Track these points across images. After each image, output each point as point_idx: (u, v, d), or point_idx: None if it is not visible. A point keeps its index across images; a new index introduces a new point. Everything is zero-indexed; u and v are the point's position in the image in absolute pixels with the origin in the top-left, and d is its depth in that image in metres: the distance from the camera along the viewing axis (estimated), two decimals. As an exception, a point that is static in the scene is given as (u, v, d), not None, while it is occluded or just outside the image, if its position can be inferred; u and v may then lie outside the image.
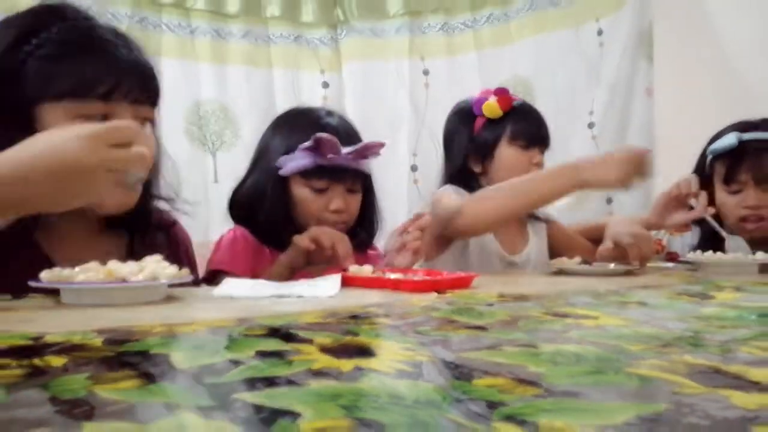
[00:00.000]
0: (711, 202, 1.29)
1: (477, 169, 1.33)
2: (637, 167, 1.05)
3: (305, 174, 1.02)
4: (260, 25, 2.10)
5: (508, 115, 1.29)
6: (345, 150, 1.00)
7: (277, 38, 2.11)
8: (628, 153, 1.07)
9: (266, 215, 1.04)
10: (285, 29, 2.13)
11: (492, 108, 1.29)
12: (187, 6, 1.99)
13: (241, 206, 1.09)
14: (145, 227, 0.86)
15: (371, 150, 1.04)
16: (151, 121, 0.82)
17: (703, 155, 1.37)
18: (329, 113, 1.12)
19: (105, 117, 0.75)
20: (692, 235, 1.39)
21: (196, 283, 0.91)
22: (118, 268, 0.63)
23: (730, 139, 1.27)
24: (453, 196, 1.21)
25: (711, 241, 1.28)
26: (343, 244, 0.93)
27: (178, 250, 0.95)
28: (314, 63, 2.15)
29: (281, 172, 1.03)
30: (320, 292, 0.70)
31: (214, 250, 1.07)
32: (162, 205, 0.91)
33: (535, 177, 1.16)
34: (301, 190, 1.04)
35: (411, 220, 1.03)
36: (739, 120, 1.32)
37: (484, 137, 1.31)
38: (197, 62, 1.99)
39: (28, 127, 0.70)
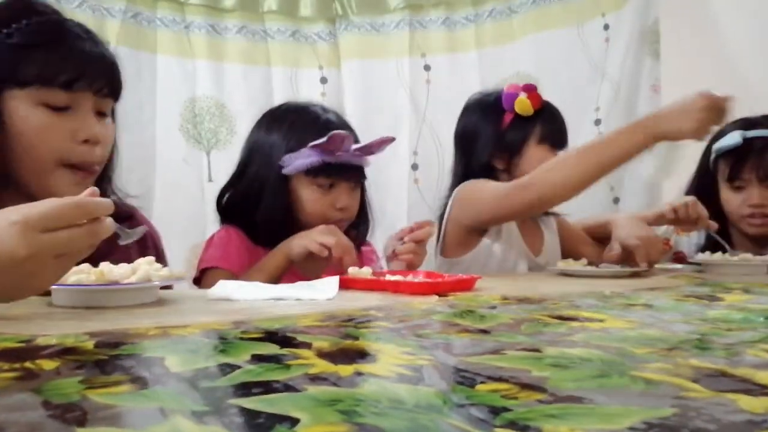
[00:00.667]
0: (715, 200, 1.29)
1: (500, 165, 1.29)
2: (717, 115, 1.01)
3: (311, 172, 1.01)
4: (257, 20, 2.09)
5: (539, 113, 1.26)
6: (354, 146, 1.00)
7: (274, 33, 2.10)
8: (708, 99, 1.02)
9: (265, 214, 1.02)
10: (282, 24, 2.11)
11: (524, 105, 1.25)
12: (182, 0, 1.98)
13: (235, 206, 1.07)
14: None
15: (380, 146, 1.04)
16: (112, 114, 0.85)
17: (707, 154, 1.37)
18: (324, 109, 1.11)
19: (67, 107, 0.77)
20: (699, 235, 1.39)
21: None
22: (110, 270, 0.63)
23: (734, 138, 1.27)
24: (492, 183, 1.18)
25: (718, 240, 1.28)
26: (350, 257, 0.91)
27: (145, 244, 0.94)
28: (312, 58, 2.14)
29: (286, 171, 1.01)
30: (318, 295, 0.69)
31: (205, 248, 1.06)
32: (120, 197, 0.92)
33: (605, 138, 1.13)
34: (305, 189, 1.03)
35: (410, 228, 1.02)
36: (742, 117, 1.31)
37: (512, 134, 1.27)
38: (193, 58, 1.98)
39: None
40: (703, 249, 1.27)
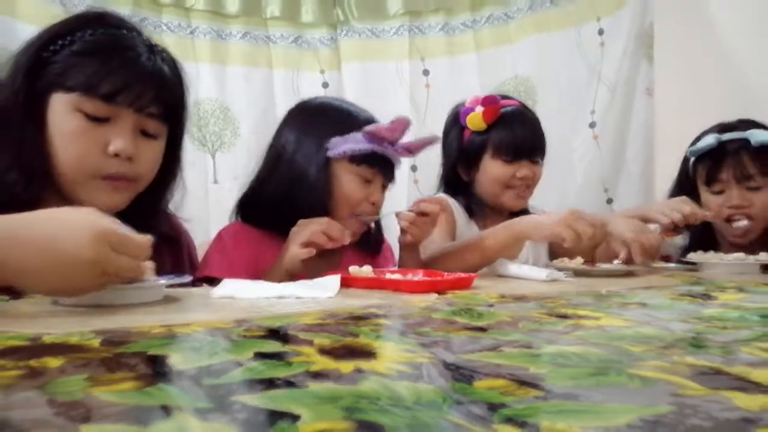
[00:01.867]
0: (696, 205, 1.29)
1: (465, 177, 1.34)
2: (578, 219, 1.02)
3: (356, 159, 1.00)
4: (260, 26, 2.10)
5: (494, 126, 1.27)
6: (402, 142, 1.01)
7: (276, 38, 2.11)
8: (574, 213, 1.05)
9: (309, 202, 0.99)
10: (285, 29, 2.13)
11: (476, 121, 1.27)
12: (187, 6, 1.99)
13: (262, 206, 1.04)
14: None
15: (425, 145, 1.06)
16: (174, 140, 0.86)
17: (686, 159, 1.39)
18: (355, 107, 1.09)
19: (106, 119, 0.77)
20: (683, 237, 1.40)
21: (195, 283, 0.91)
22: None
23: (709, 140, 1.29)
24: (435, 234, 1.15)
25: (703, 242, 1.29)
26: (332, 227, 0.92)
27: (181, 258, 0.96)
28: (314, 63, 2.15)
29: (332, 153, 0.99)
30: (319, 293, 0.70)
31: (211, 248, 1.03)
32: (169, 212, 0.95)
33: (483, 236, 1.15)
34: (345, 176, 1.02)
35: (420, 199, 1.05)
36: (718, 123, 1.34)
37: (469, 148, 1.30)
38: (197, 62, 1.99)
39: (40, 115, 0.76)
40: (688, 249, 1.28)
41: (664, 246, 1.40)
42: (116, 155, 0.78)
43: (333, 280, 0.77)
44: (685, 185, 1.38)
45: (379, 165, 1.02)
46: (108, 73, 0.76)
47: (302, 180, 1.00)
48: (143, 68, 0.79)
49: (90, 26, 0.79)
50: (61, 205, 0.59)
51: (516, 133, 1.27)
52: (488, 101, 1.27)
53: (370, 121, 1.04)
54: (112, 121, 0.78)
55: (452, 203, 1.34)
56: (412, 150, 1.05)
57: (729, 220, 1.29)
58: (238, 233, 1.05)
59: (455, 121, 1.34)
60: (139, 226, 0.66)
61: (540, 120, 1.34)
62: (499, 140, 1.26)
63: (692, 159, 1.36)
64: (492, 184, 1.29)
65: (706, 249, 1.23)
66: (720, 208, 1.29)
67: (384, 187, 1.08)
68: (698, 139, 1.34)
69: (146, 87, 0.79)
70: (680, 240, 1.39)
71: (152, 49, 0.83)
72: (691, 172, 1.37)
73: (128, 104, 0.77)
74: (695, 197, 1.32)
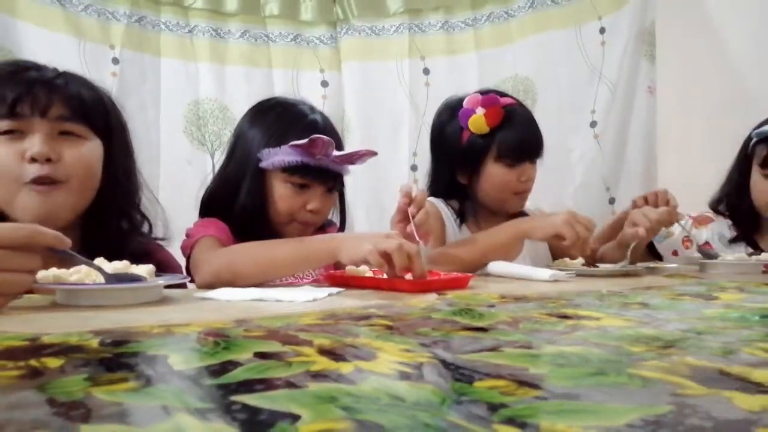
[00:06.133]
0: (746, 181, 1.34)
1: (464, 181, 1.28)
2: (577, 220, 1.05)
3: (288, 170, 0.99)
4: (259, 24, 2.10)
5: (498, 129, 1.21)
6: (336, 153, 0.98)
7: (276, 37, 2.11)
8: (571, 215, 1.07)
9: (242, 207, 1.01)
10: (284, 28, 2.12)
11: (478, 123, 1.21)
12: (186, 5, 1.99)
13: (215, 200, 1.05)
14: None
15: (362, 158, 1.02)
16: (84, 137, 0.87)
17: (749, 138, 1.39)
18: (312, 109, 1.09)
19: (16, 131, 0.82)
20: (719, 224, 1.41)
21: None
22: (110, 266, 0.64)
23: None
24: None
25: (744, 223, 1.32)
26: (418, 261, 0.79)
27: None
28: (314, 62, 2.15)
29: (263, 165, 1.00)
30: (299, 297, 0.67)
31: (191, 230, 1.02)
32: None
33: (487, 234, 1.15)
34: (280, 186, 1.01)
35: (404, 203, 0.95)
36: None
37: (470, 151, 1.23)
38: (196, 62, 1.99)
39: None
40: (735, 239, 1.32)
41: (697, 236, 1.43)
42: (34, 160, 0.81)
43: (324, 290, 0.75)
44: (743, 165, 1.39)
45: (312, 175, 1.00)
46: (9, 90, 0.81)
47: (240, 185, 1.01)
48: (41, 78, 0.84)
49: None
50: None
51: (520, 135, 1.22)
52: (489, 102, 1.21)
53: (314, 124, 1.02)
54: (27, 132, 0.82)
55: (442, 208, 1.29)
56: (351, 161, 1.02)
57: None
58: (215, 221, 1.03)
59: (451, 119, 1.27)
60: (104, 246, 0.66)
61: (540, 120, 1.30)
62: (503, 144, 1.21)
63: (754, 140, 1.36)
64: (497, 189, 1.24)
65: (745, 224, 1.27)
66: (765, 191, 1.32)
67: (329, 193, 1.05)
68: (765, 122, 1.35)
69: (46, 93, 0.83)
70: (717, 228, 1.41)
71: (58, 72, 0.88)
72: (749, 152, 1.37)
73: (32, 112, 0.81)
74: (747, 177, 1.35)
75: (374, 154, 1.03)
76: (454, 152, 1.26)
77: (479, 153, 1.23)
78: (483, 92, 1.24)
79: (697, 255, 1.26)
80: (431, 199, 1.29)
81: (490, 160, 1.22)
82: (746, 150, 1.39)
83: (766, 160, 1.31)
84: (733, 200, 1.39)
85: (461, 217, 1.30)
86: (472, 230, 1.29)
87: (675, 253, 1.42)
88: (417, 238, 0.89)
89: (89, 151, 0.87)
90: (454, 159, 1.27)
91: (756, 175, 1.34)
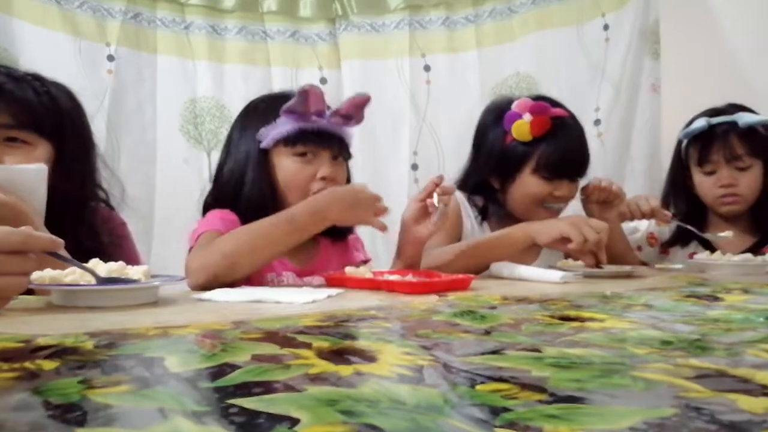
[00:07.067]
0: (690, 186, 1.41)
1: (496, 185, 1.24)
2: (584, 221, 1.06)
3: (288, 141, 0.98)
4: (257, 21, 2.08)
5: (542, 139, 1.15)
6: (332, 109, 0.98)
7: (274, 34, 2.10)
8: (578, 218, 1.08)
9: (248, 199, 0.98)
10: (282, 24, 2.11)
11: (522, 130, 1.15)
12: (182, 1, 1.98)
13: (224, 197, 1.03)
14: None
15: (358, 105, 1.01)
16: (32, 143, 0.87)
17: (679, 142, 1.46)
18: (285, 92, 1.07)
19: None
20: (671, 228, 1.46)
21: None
22: (104, 268, 0.63)
23: (700, 123, 1.36)
24: (438, 235, 1.10)
25: (692, 217, 1.37)
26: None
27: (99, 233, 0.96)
28: (312, 59, 2.13)
29: (263, 144, 0.99)
30: (298, 298, 0.66)
31: (198, 225, 1.00)
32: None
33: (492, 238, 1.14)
34: (285, 161, 0.99)
35: (432, 183, 0.97)
36: (709, 108, 1.41)
37: (509, 156, 1.18)
38: (193, 59, 1.97)
39: None
40: (675, 236, 1.40)
41: (662, 234, 1.47)
42: None
43: (323, 291, 0.74)
44: (678, 168, 1.45)
45: (315, 140, 0.98)
46: None
47: (244, 179, 1.00)
48: None
49: None
50: None
51: (563, 150, 1.16)
52: (537, 110, 1.16)
53: (303, 90, 0.99)
54: None
55: (463, 203, 1.27)
56: (346, 115, 1.00)
57: (719, 198, 1.36)
58: (223, 213, 1.02)
59: (496, 120, 1.22)
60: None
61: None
62: (545, 157, 1.15)
63: (684, 142, 1.42)
64: (528, 200, 1.20)
65: (695, 224, 1.33)
66: (712, 187, 1.37)
67: (337, 160, 1.02)
68: (690, 123, 1.41)
69: None
70: (674, 226, 1.44)
71: (17, 77, 0.88)
72: (683, 155, 1.44)
73: None
74: (688, 179, 1.41)
75: (367, 99, 1.02)
76: (492, 153, 1.22)
77: (518, 160, 1.18)
78: (535, 98, 1.20)
79: (652, 249, 1.40)
80: (455, 192, 1.25)
81: (528, 169, 1.17)
82: (679, 155, 1.44)
83: (702, 157, 1.36)
84: (680, 204, 1.44)
85: (483, 214, 1.27)
86: (493, 229, 1.26)
87: (639, 248, 1.44)
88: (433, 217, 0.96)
89: (34, 159, 0.87)
90: (491, 161, 1.22)
91: (698, 176, 1.39)
